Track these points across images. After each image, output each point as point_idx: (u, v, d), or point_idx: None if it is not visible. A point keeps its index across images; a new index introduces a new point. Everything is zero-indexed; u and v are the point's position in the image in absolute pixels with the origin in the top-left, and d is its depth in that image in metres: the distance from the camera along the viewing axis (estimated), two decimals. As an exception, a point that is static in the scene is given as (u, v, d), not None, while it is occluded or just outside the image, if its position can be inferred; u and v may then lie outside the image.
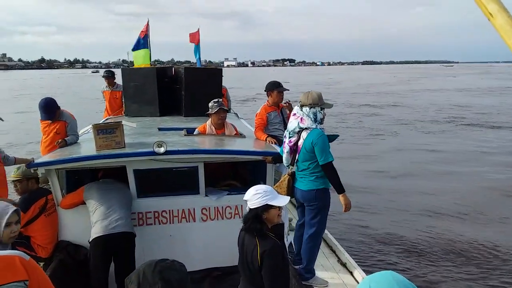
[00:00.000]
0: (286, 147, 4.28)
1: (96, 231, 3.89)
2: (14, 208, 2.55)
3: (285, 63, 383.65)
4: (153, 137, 4.84)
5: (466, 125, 20.85)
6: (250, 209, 2.85)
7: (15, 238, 2.54)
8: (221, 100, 5.30)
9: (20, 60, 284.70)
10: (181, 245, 4.41)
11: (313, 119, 4.15)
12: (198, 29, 9.67)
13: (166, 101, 7.01)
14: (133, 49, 8.30)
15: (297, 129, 4.20)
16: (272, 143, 5.02)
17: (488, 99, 33.95)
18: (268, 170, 4.59)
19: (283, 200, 2.88)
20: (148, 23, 8.64)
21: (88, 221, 4.02)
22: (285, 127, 5.26)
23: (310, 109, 4.18)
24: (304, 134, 4.14)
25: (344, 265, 4.83)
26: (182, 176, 4.58)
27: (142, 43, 8.36)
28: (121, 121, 4.61)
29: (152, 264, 1.54)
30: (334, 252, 5.17)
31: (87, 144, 4.81)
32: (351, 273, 4.64)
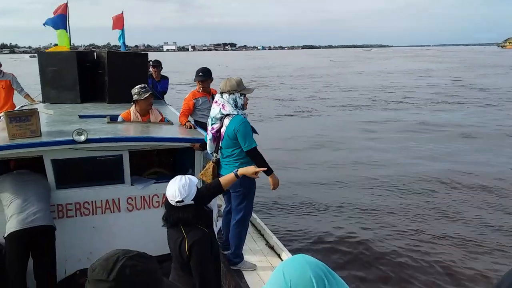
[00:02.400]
0: (209, 134, 4.27)
1: (11, 226, 3.63)
2: None
3: (226, 47, 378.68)
4: (73, 124, 4.59)
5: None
6: (190, 205, 2.75)
7: None
8: (147, 85, 5.15)
9: None
10: (105, 236, 4.26)
11: (233, 105, 4.16)
12: (122, 13, 9.30)
13: (87, 87, 6.64)
14: (56, 28, 7.76)
15: (219, 116, 4.18)
16: (189, 127, 4.99)
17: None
18: (196, 157, 4.55)
19: (194, 178, 2.89)
20: (67, 3, 8.13)
21: (1, 215, 3.75)
22: None
23: (229, 95, 4.18)
24: (226, 121, 4.16)
25: (272, 248, 4.95)
26: (106, 165, 4.40)
27: (61, 22, 7.84)
28: (37, 108, 4.32)
29: (119, 253, 1.44)
30: (262, 235, 5.28)
31: None
32: (279, 256, 4.76)
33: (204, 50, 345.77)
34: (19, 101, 7.81)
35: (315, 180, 10.21)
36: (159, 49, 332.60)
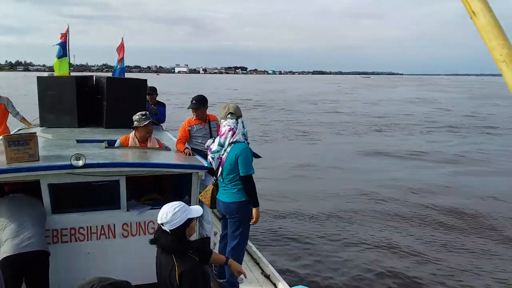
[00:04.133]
0: (214, 162, 4.26)
1: (5, 250, 3.57)
2: None
3: (237, 70, 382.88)
4: (71, 149, 4.59)
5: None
6: (171, 231, 2.72)
7: None
8: (148, 113, 5.19)
9: None
10: (100, 262, 4.20)
11: (243, 132, 4.27)
12: (122, 39, 9.41)
13: (86, 112, 6.69)
14: (59, 57, 7.85)
15: (226, 145, 4.22)
16: (188, 154, 5.02)
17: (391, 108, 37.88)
18: (193, 183, 4.55)
19: (198, 209, 2.88)
20: (68, 30, 8.23)
21: None
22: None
23: (240, 120, 4.29)
24: (228, 148, 4.19)
25: (268, 277, 4.89)
26: (102, 191, 4.38)
27: (63, 50, 7.93)
28: (35, 132, 4.32)
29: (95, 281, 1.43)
30: (258, 264, 5.22)
31: None
32: (275, 285, 4.71)
33: (215, 73, 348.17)
34: (13, 125, 7.81)
35: (310, 208, 10.19)
36: (170, 70, 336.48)
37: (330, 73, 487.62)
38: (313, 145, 19.25)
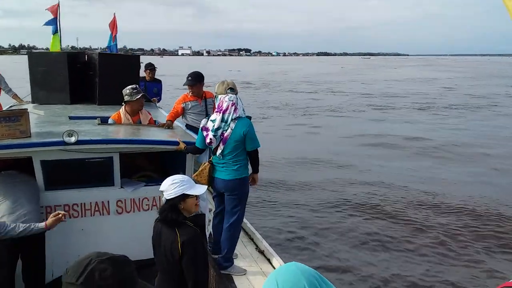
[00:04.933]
0: (216, 140, 4.22)
1: None
2: None
3: (241, 53, 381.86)
4: (63, 126, 4.54)
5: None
6: (167, 199, 2.81)
7: None
8: (137, 86, 5.13)
9: None
10: (94, 239, 4.21)
11: (243, 107, 4.24)
12: (114, 16, 9.27)
13: (78, 88, 6.59)
14: (54, 33, 7.74)
15: (230, 120, 4.16)
16: (167, 127, 5.09)
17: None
18: (187, 160, 4.54)
19: (200, 189, 2.87)
20: (58, 5, 8.07)
21: None
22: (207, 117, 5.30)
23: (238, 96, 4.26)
24: (232, 124, 4.14)
25: (262, 252, 4.93)
26: (95, 167, 4.36)
27: (54, 26, 7.81)
28: (27, 109, 4.27)
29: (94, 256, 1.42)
30: (252, 240, 5.26)
31: None
32: (269, 261, 4.74)
33: (219, 55, 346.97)
34: (5, 101, 7.72)
35: (307, 181, 10.26)
36: (174, 53, 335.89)
37: (334, 54, 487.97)
38: (309, 121, 19.66)
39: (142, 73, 7.87)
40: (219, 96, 4.27)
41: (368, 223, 7.96)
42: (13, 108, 6.08)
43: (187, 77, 5.60)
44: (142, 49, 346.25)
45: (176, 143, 4.33)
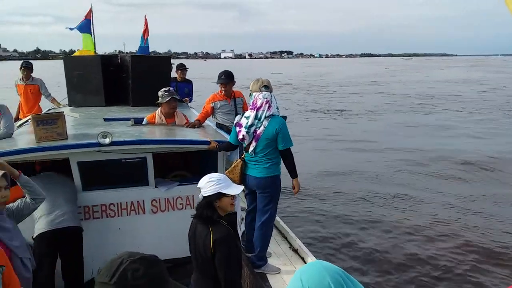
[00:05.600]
0: (248, 136, 4.21)
1: (40, 227, 3.71)
2: (2, 172, 2.69)
3: (283, 55, 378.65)
4: (98, 127, 4.65)
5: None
6: (204, 197, 2.83)
7: (5, 203, 2.70)
8: (172, 89, 5.19)
9: (15, 50, 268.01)
10: (131, 238, 4.30)
11: (277, 106, 4.22)
12: (146, 19, 9.42)
13: (112, 91, 6.74)
14: (82, 31, 7.95)
15: (263, 118, 4.14)
16: (192, 126, 5.10)
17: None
18: (219, 159, 4.55)
19: (236, 189, 2.87)
20: (91, 9, 8.27)
21: (30, 217, 3.81)
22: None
23: (272, 94, 4.23)
24: (265, 122, 4.13)
25: (296, 251, 4.90)
26: (130, 168, 4.44)
27: (86, 27, 8.01)
28: (63, 111, 4.39)
29: (125, 256, 1.44)
30: (285, 238, 5.23)
31: (26, 136, 4.54)
32: (303, 259, 4.71)
33: (261, 57, 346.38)
34: (45, 106, 8.00)
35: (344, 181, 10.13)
36: (217, 56, 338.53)
37: (379, 55, 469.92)
38: (351, 124, 19.08)
39: (173, 73, 7.98)
40: (254, 94, 4.27)
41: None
42: (50, 111, 6.27)
43: (220, 76, 5.63)
44: (186, 53, 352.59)
45: (208, 143, 4.35)
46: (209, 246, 2.73)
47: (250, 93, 4.39)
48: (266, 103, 4.15)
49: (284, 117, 4.36)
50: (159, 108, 5.13)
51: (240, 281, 3.01)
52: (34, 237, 3.71)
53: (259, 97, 4.19)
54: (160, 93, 5.01)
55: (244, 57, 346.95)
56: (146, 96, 6.11)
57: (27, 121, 6.04)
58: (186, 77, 8.47)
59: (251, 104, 4.28)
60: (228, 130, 5.21)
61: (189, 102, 7.99)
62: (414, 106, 24.96)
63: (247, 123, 4.17)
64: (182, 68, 8.34)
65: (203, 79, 34.82)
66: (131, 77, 6.47)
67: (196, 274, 2.97)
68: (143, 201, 4.33)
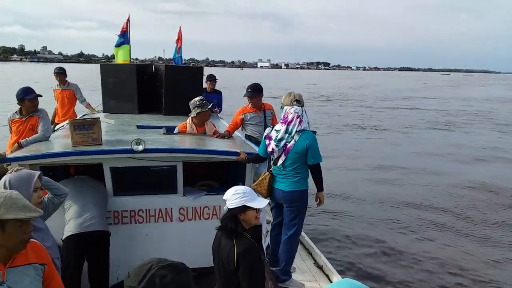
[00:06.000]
0: (277, 150, 4.22)
1: (69, 229, 3.80)
2: (38, 172, 2.78)
3: (320, 66, 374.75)
4: (132, 134, 4.75)
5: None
6: (229, 209, 2.84)
7: (40, 204, 2.75)
8: (205, 100, 5.27)
9: (60, 53, 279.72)
10: (157, 245, 4.34)
11: (308, 120, 4.23)
12: (180, 29, 9.60)
13: (145, 99, 6.90)
14: (116, 46, 8.18)
15: (294, 133, 4.15)
16: (222, 137, 5.12)
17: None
18: (247, 171, 4.57)
19: (261, 203, 2.87)
20: (128, 19, 8.50)
21: (61, 218, 3.91)
22: (265, 128, 5.34)
23: (303, 109, 4.24)
24: (296, 137, 4.13)
25: (320, 268, 4.84)
26: (160, 175, 4.51)
27: (123, 39, 8.23)
28: (99, 117, 4.51)
29: (154, 262, 1.49)
30: (310, 254, 5.18)
31: (62, 140, 4.68)
32: (328, 277, 4.65)
33: (297, 68, 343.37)
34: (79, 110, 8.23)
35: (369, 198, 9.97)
36: (253, 65, 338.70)
37: (418, 69, 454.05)
38: (382, 139, 18.75)
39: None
40: (285, 108, 4.27)
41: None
42: (85, 117, 6.45)
43: (247, 89, 5.69)
44: (223, 61, 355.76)
45: (237, 154, 4.38)
46: (233, 259, 2.74)
47: (281, 107, 4.41)
48: (297, 118, 4.16)
49: (314, 132, 4.35)
50: (190, 117, 5.21)
51: None
52: (62, 239, 3.80)
53: (290, 111, 4.20)
54: (197, 102, 5.10)
55: (280, 67, 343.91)
56: (177, 105, 6.21)
57: (63, 125, 6.23)
58: (216, 88, 8.58)
59: (282, 118, 4.30)
60: (256, 142, 5.24)
61: (219, 113, 8.07)
62: (451, 123, 24.49)
63: (277, 136, 4.19)
64: (211, 79, 8.45)
65: (238, 88, 35.03)
66: (165, 86, 6.61)
67: (218, 286, 2.97)
68: (171, 209, 4.38)
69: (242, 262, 2.72)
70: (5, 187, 2.69)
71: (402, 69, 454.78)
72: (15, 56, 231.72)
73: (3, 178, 2.93)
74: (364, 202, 9.79)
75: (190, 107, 5.14)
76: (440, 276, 6.55)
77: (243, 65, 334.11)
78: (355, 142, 17.85)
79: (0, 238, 2.03)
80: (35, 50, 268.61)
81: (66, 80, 8.16)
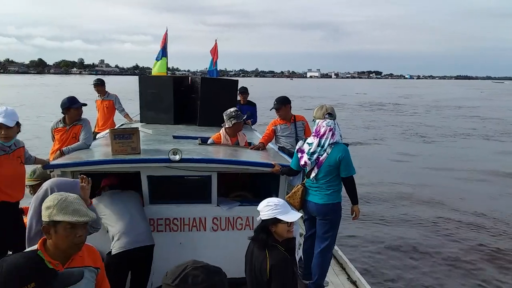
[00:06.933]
0: (310, 163, 4.21)
1: (121, 246, 3.79)
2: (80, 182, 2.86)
3: (371, 75, 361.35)
4: (168, 144, 4.86)
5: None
6: (261, 220, 2.86)
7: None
8: (239, 111, 5.34)
9: (116, 66, 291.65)
10: (191, 253, 4.37)
11: (340, 133, 4.23)
12: (216, 42, 9.77)
13: (181, 110, 7.06)
14: (156, 59, 8.45)
15: (326, 145, 4.15)
16: (257, 149, 5.15)
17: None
18: (281, 182, 4.57)
19: (293, 216, 2.86)
20: (166, 33, 8.75)
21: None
22: (297, 140, 5.35)
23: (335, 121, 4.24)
24: (328, 149, 4.13)
25: (354, 283, 4.76)
26: (195, 185, 4.58)
27: (162, 53, 8.49)
28: (138, 127, 4.64)
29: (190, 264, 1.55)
30: (344, 269, 5.11)
31: (102, 149, 4.84)
32: None
33: (347, 77, 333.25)
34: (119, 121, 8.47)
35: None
36: (303, 75, 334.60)
37: (476, 78, 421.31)
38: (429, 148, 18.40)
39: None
40: (317, 121, 4.28)
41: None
42: (124, 126, 6.64)
43: (274, 102, 5.76)
44: (272, 71, 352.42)
45: (272, 166, 4.39)
46: (265, 270, 2.75)
47: (313, 119, 4.41)
48: (330, 131, 4.15)
49: (347, 145, 4.33)
50: (223, 128, 5.28)
51: None
52: (112, 253, 3.81)
53: (323, 125, 4.20)
54: (232, 113, 5.18)
55: (330, 77, 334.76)
56: (212, 117, 6.31)
57: (103, 134, 6.43)
58: (249, 99, 8.69)
59: (314, 131, 4.30)
60: (288, 153, 5.25)
61: (252, 124, 8.14)
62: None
63: (310, 149, 4.19)
64: (243, 91, 8.57)
65: (292, 97, 35.00)
66: (200, 98, 6.74)
67: None
68: (205, 218, 4.42)
69: (275, 274, 2.72)
70: (46, 194, 2.77)
71: (458, 77, 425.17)
72: (74, 69, 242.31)
73: (44, 185, 3.03)
74: (404, 215, 9.54)
75: (224, 118, 5.21)
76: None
77: (292, 75, 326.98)
78: (401, 150, 17.62)
79: (54, 238, 2.14)
80: (93, 63, 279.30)
81: (106, 91, 8.45)
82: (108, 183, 4.39)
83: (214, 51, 9.73)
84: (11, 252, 3.62)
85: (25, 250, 2.40)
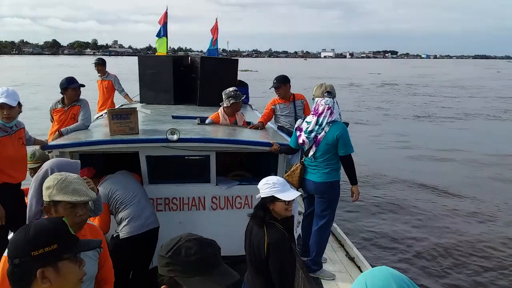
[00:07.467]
0: (308, 141, 4.21)
1: (132, 230, 3.80)
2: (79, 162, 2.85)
3: (386, 55, 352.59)
4: (167, 124, 4.87)
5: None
6: (261, 198, 2.89)
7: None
8: (238, 91, 5.32)
9: (130, 47, 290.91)
10: (190, 232, 4.42)
11: (339, 111, 4.20)
12: (216, 21, 9.67)
13: (181, 90, 7.03)
14: (157, 36, 8.39)
15: (324, 124, 4.13)
16: (255, 128, 5.17)
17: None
18: (279, 161, 4.59)
19: (291, 195, 2.87)
20: (166, 11, 8.66)
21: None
22: (296, 119, 5.35)
23: (335, 100, 4.22)
24: (326, 128, 4.13)
25: (352, 259, 4.82)
26: (194, 164, 4.62)
27: (163, 31, 8.43)
28: (136, 107, 4.64)
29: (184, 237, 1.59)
30: (342, 246, 5.16)
31: (101, 129, 4.86)
32: (359, 268, 4.62)
33: (362, 57, 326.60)
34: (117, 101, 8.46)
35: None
36: (317, 55, 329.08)
37: (495, 57, 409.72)
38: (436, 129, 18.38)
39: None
40: (316, 99, 4.26)
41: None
42: (123, 107, 6.65)
43: (273, 80, 5.73)
44: (286, 52, 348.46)
45: (270, 145, 4.40)
46: (263, 248, 2.79)
47: (312, 98, 4.39)
48: (328, 109, 4.13)
49: (346, 124, 4.31)
50: (221, 107, 5.28)
51: (294, 283, 3.03)
52: (120, 237, 3.82)
53: (321, 103, 4.18)
54: (231, 93, 5.16)
55: (345, 57, 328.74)
56: (212, 96, 6.29)
57: (101, 115, 6.45)
58: (242, 80, 8.62)
59: (313, 109, 4.29)
60: (288, 132, 5.26)
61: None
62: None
63: (308, 128, 4.18)
64: None
65: (300, 78, 34.43)
66: (200, 78, 6.70)
67: (249, 272, 3.03)
68: (204, 197, 4.47)
69: (272, 251, 2.77)
70: (46, 174, 2.79)
71: (476, 56, 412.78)
72: (88, 50, 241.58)
73: (45, 165, 3.05)
74: (403, 194, 9.59)
75: (223, 97, 5.20)
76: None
77: (306, 55, 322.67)
78: (404, 131, 17.17)
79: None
80: (107, 44, 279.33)
81: (106, 71, 8.40)
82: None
83: (215, 30, 9.64)
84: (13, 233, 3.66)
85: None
